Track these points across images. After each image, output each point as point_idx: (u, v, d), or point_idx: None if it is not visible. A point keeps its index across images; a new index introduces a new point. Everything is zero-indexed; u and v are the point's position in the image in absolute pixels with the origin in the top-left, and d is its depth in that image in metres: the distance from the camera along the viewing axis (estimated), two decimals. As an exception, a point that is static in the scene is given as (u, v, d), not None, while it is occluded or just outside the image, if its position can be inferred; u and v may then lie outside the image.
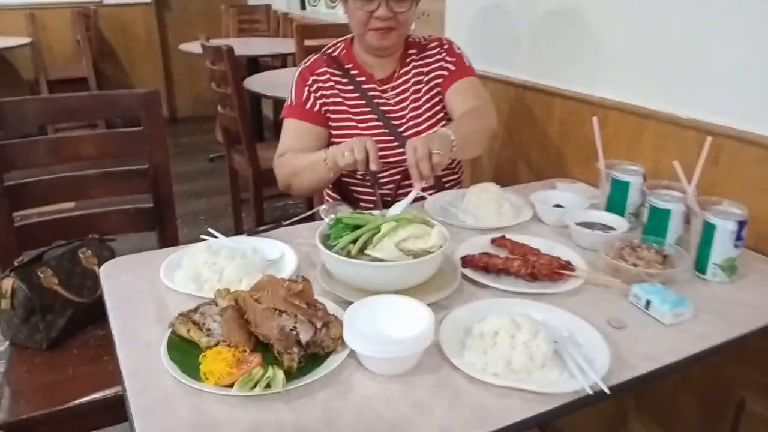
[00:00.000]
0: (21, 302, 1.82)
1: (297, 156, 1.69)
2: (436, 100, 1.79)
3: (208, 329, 1.17)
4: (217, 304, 1.20)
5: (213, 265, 1.40)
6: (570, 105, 2.06)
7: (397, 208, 1.42)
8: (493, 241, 1.59)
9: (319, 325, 1.12)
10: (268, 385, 1.04)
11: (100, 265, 1.96)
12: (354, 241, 1.32)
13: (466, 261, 1.46)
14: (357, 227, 1.35)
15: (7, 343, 1.87)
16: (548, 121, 2.25)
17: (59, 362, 1.75)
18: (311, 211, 1.56)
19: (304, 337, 1.10)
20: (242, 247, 1.51)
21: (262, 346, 1.14)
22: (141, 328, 1.25)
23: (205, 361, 1.09)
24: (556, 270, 1.37)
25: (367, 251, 1.30)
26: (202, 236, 1.57)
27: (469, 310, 1.25)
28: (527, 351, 1.08)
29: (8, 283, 1.86)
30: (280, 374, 1.05)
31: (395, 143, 1.75)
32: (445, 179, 1.95)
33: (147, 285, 1.40)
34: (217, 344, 1.14)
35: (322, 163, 1.62)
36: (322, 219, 1.48)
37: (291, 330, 1.11)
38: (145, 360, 1.14)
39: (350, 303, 1.11)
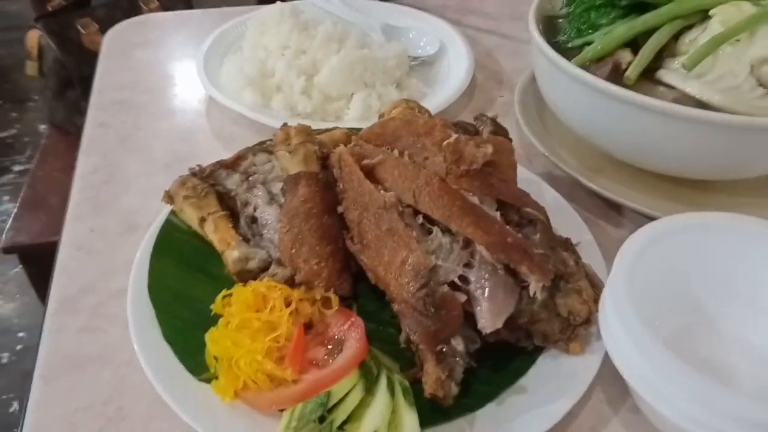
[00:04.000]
0: (51, 68, 1.25)
1: None
2: None
3: (252, 219, 0.48)
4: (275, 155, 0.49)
5: (298, 56, 0.66)
6: None
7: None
8: None
9: (536, 285, 0.39)
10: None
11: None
12: (632, 45, 0.52)
13: None
14: (642, 6, 0.53)
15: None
16: None
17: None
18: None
19: (491, 318, 0.38)
20: (362, 21, 0.75)
21: (370, 290, 0.45)
22: (131, 175, 0.58)
23: (227, 316, 0.42)
24: None
25: (662, 74, 0.50)
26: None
27: None
28: None
29: (34, 37, 1.26)
30: (411, 416, 0.36)
31: None
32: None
33: (170, 78, 0.71)
34: (265, 269, 0.45)
35: None
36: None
37: (451, 286, 0.39)
38: (102, 270, 0.49)
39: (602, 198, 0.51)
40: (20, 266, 1.16)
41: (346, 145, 0.49)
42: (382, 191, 0.44)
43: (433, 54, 0.73)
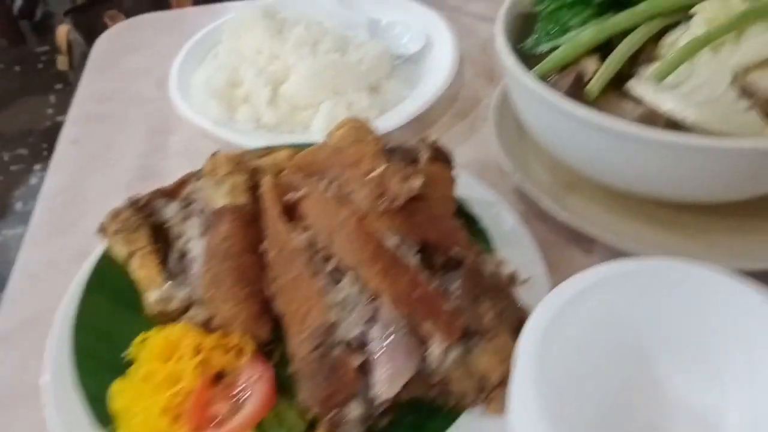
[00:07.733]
0: (80, 62, 1.27)
1: None
2: None
3: (182, 253, 0.47)
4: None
5: (272, 62, 0.64)
6: None
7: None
8: None
9: (438, 345, 0.35)
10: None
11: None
12: (603, 50, 0.45)
13: None
14: (620, 3, 0.46)
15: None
16: None
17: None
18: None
19: (385, 384, 0.35)
20: (345, 18, 0.70)
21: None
22: (90, 197, 0.58)
23: (138, 367, 0.41)
24: None
25: (632, 84, 0.44)
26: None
27: None
28: None
29: (63, 31, 1.29)
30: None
31: None
32: None
33: (149, 88, 0.70)
34: (187, 310, 0.44)
35: None
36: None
37: (350, 345, 0.36)
38: (43, 293, 0.49)
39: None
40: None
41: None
42: (295, 233, 0.41)
43: (418, 51, 0.68)
